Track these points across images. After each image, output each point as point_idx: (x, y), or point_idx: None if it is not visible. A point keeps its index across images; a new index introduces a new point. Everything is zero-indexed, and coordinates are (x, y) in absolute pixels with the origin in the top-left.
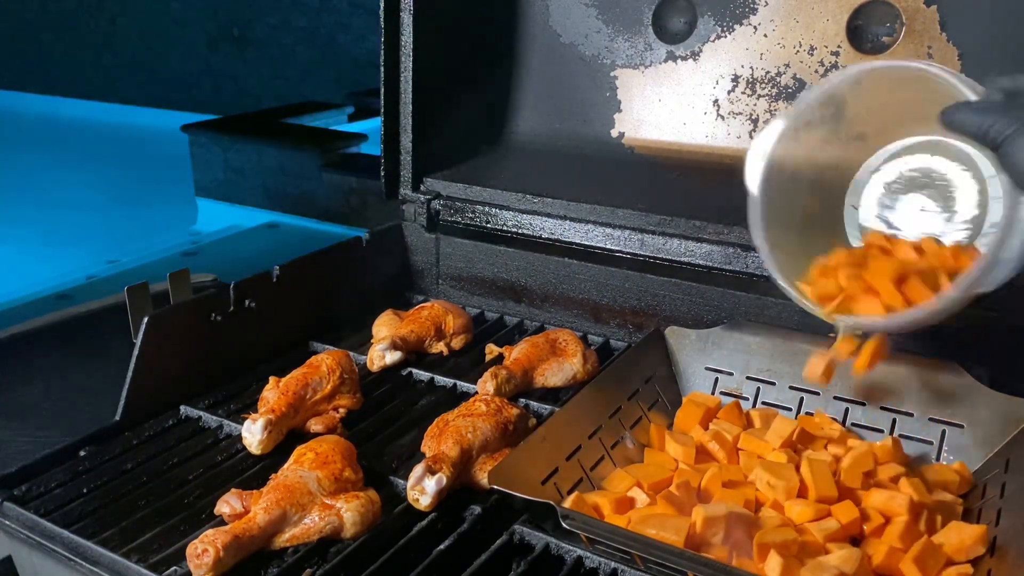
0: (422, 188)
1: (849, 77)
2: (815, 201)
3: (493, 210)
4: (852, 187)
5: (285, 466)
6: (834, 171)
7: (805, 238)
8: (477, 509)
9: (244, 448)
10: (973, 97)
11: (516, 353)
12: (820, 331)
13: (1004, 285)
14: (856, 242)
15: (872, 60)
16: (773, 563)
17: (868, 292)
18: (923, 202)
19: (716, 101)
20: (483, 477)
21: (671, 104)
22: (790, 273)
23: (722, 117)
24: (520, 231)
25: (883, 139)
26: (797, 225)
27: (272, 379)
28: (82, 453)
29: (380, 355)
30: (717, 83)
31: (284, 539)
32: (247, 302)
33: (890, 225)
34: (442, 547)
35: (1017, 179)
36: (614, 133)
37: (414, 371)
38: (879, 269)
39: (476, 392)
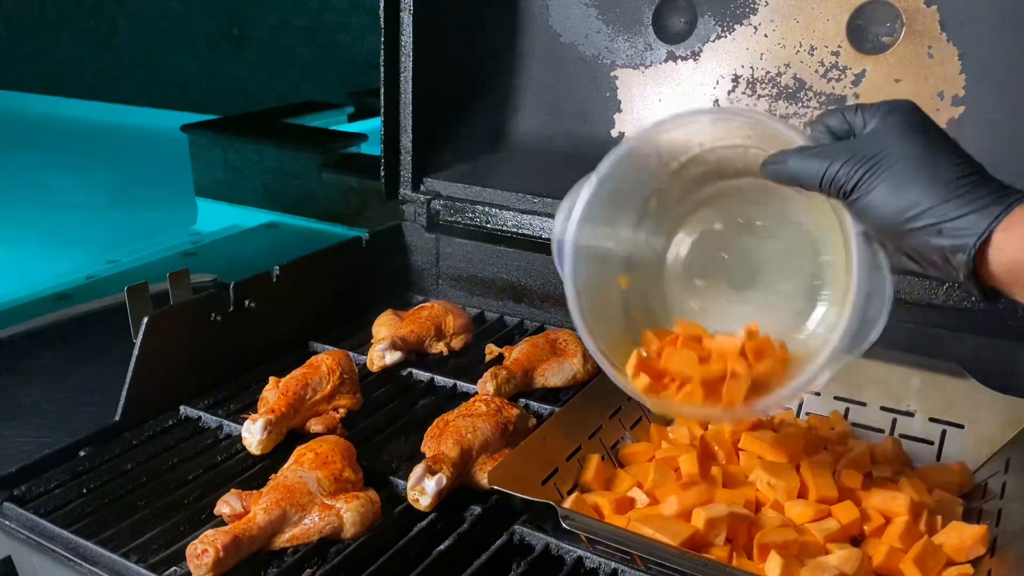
0: (422, 188)
1: (641, 138)
2: (628, 279)
3: (493, 210)
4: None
5: (285, 466)
6: (643, 247)
7: (627, 322)
8: (477, 509)
9: (244, 448)
10: (800, 141)
11: (516, 353)
12: None
13: None
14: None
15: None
16: (773, 563)
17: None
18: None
19: (716, 101)
20: (483, 477)
21: (671, 104)
22: (621, 364)
23: None
24: (520, 231)
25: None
26: (617, 309)
27: (272, 379)
28: (82, 453)
29: (380, 355)
30: (717, 83)
31: (284, 539)
32: (247, 302)
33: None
34: (442, 547)
35: (878, 230)
36: (614, 133)
37: (414, 371)
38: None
39: (476, 392)
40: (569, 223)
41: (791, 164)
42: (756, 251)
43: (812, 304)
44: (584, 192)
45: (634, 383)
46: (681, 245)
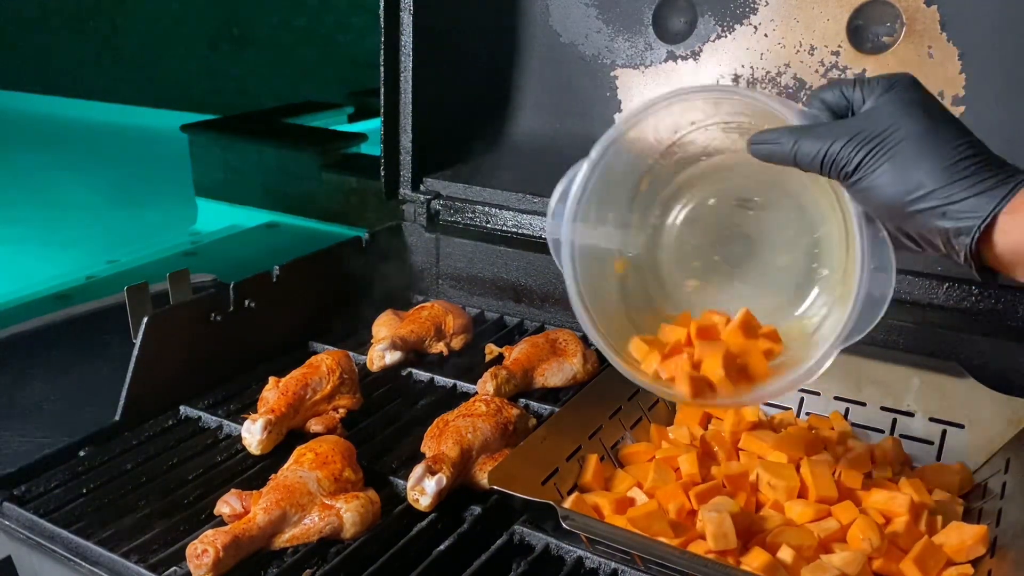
0: (422, 188)
1: (633, 116)
2: (624, 263)
3: (493, 210)
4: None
5: (285, 466)
6: (637, 228)
7: (626, 308)
8: (477, 509)
9: (244, 448)
10: (794, 119)
11: (516, 353)
12: None
13: (1004, 286)
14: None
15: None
16: (785, 554)
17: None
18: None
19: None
20: (483, 477)
21: None
22: (623, 348)
23: None
24: (520, 231)
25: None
26: (615, 295)
27: (272, 379)
28: (82, 453)
29: (380, 355)
30: (717, 83)
31: (284, 539)
32: (247, 302)
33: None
34: (442, 547)
35: (879, 213)
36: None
37: (414, 371)
38: (710, 364)
39: (476, 392)
40: (564, 209)
41: (786, 144)
42: (751, 226)
43: (810, 279)
44: (577, 178)
45: (643, 371)
46: (675, 223)
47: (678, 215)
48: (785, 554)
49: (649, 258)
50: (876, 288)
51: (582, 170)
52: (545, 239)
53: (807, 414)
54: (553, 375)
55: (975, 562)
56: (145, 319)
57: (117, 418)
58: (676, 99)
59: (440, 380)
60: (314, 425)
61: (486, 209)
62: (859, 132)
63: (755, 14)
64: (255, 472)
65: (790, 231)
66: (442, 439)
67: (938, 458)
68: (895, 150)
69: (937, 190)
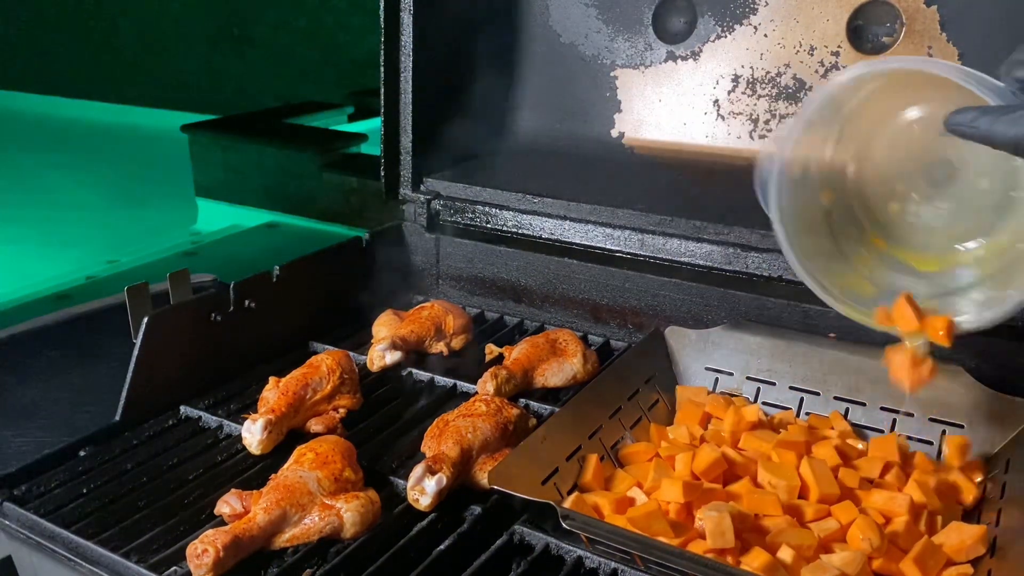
0: (422, 188)
1: (850, 79)
2: (830, 195)
3: (493, 210)
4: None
5: (285, 466)
6: (842, 167)
7: (833, 237)
8: (477, 509)
9: (244, 448)
10: (989, 99)
11: (516, 353)
12: (820, 331)
13: None
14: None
15: (874, 59)
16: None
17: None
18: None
19: (716, 101)
20: (483, 477)
21: (671, 104)
22: (829, 277)
23: (722, 117)
24: (520, 231)
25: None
26: (821, 225)
27: (272, 379)
28: (82, 453)
29: (380, 355)
30: (717, 83)
31: (284, 539)
32: (247, 302)
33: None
34: (442, 547)
35: None
36: (614, 133)
37: (414, 371)
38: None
39: (476, 392)
40: (782, 142)
41: (982, 126)
42: (953, 150)
43: (1009, 202)
44: (799, 115)
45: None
46: (880, 146)
47: (882, 138)
48: (785, 554)
49: (855, 184)
50: None
51: (801, 112)
52: (545, 239)
53: (807, 414)
54: (553, 375)
55: (975, 562)
56: (145, 319)
57: (117, 418)
58: (883, 66)
59: (440, 380)
60: (314, 425)
61: (486, 209)
62: None
63: (755, 14)
64: (255, 472)
65: (990, 156)
66: (442, 439)
67: (938, 458)
68: None
69: None
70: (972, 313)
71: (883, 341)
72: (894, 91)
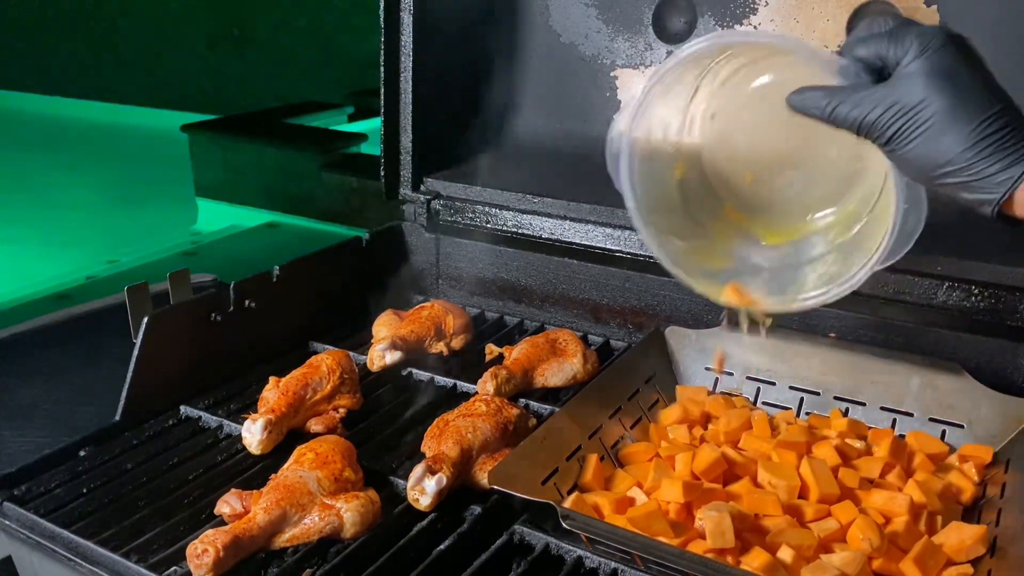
0: (422, 188)
1: (698, 51)
2: (683, 168)
3: (493, 210)
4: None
5: (285, 466)
6: (693, 139)
7: (689, 211)
8: (477, 509)
9: (244, 448)
10: (832, 78)
11: (516, 353)
12: (820, 331)
13: (1004, 286)
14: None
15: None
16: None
17: None
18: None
19: None
20: (483, 477)
21: None
22: (686, 254)
23: None
24: (520, 231)
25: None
26: (676, 200)
27: (272, 379)
28: (82, 453)
29: (380, 355)
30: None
31: (284, 539)
32: (247, 302)
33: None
34: (442, 547)
35: (910, 176)
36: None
37: (414, 371)
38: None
39: (476, 392)
40: (629, 117)
41: (823, 104)
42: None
43: (855, 174)
44: (644, 89)
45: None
46: (732, 118)
47: (735, 111)
48: (785, 554)
49: (709, 157)
50: (907, 224)
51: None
52: (545, 239)
53: (807, 414)
54: (553, 375)
55: (975, 562)
56: (145, 319)
57: (117, 418)
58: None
59: (440, 380)
60: (314, 425)
61: (486, 209)
62: (893, 104)
63: (755, 14)
64: (255, 472)
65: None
66: (442, 439)
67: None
68: (925, 126)
69: (962, 168)
70: (819, 288)
71: (884, 342)
72: (746, 63)
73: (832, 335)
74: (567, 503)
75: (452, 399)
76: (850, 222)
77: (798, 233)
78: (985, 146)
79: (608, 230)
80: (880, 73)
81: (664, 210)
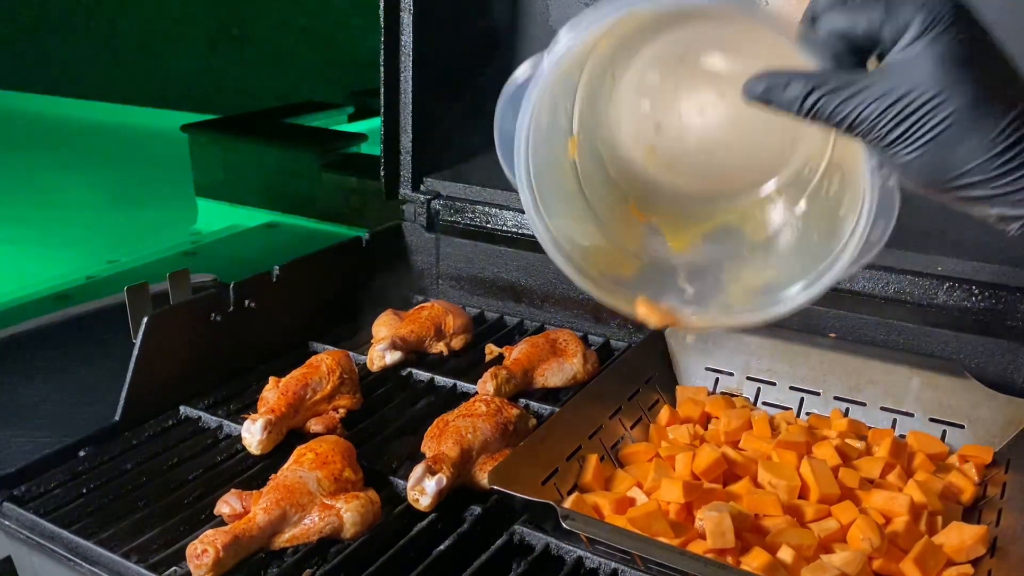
0: (422, 188)
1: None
2: (575, 141)
3: (493, 210)
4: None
5: (285, 466)
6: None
7: (589, 202)
8: (477, 509)
9: (244, 448)
10: (805, 57)
11: (516, 353)
12: (820, 331)
13: (1004, 286)
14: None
15: None
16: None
17: None
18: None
19: None
20: (483, 477)
21: None
22: (589, 255)
23: None
24: (520, 231)
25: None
26: (574, 187)
27: (272, 379)
28: (82, 453)
29: (380, 355)
30: None
31: (284, 539)
32: (247, 302)
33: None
34: (442, 547)
35: (907, 181)
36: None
37: (414, 371)
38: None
39: (476, 392)
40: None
41: (799, 94)
42: (721, 70)
43: (790, 154)
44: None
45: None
46: (635, 71)
47: (636, 66)
48: (785, 554)
49: (604, 126)
50: (873, 233)
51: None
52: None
53: (807, 414)
54: (553, 375)
55: (975, 562)
56: (145, 319)
57: (117, 418)
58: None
59: (440, 380)
60: (314, 425)
61: (486, 209)
62: (899, 99)
63: None
64: (255, 472)
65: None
66: (442, 439)
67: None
68: (940, 128)
69: (986, 180)
70: (749, 301)
71: (884, 342)
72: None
73: (832, 335)
74: (567, 503)
75: (452, 399)
76: (780, 215)
77: (709, 227)
78: (1015, 153)
79: None
80: (864, 54)
81: (565, 200)
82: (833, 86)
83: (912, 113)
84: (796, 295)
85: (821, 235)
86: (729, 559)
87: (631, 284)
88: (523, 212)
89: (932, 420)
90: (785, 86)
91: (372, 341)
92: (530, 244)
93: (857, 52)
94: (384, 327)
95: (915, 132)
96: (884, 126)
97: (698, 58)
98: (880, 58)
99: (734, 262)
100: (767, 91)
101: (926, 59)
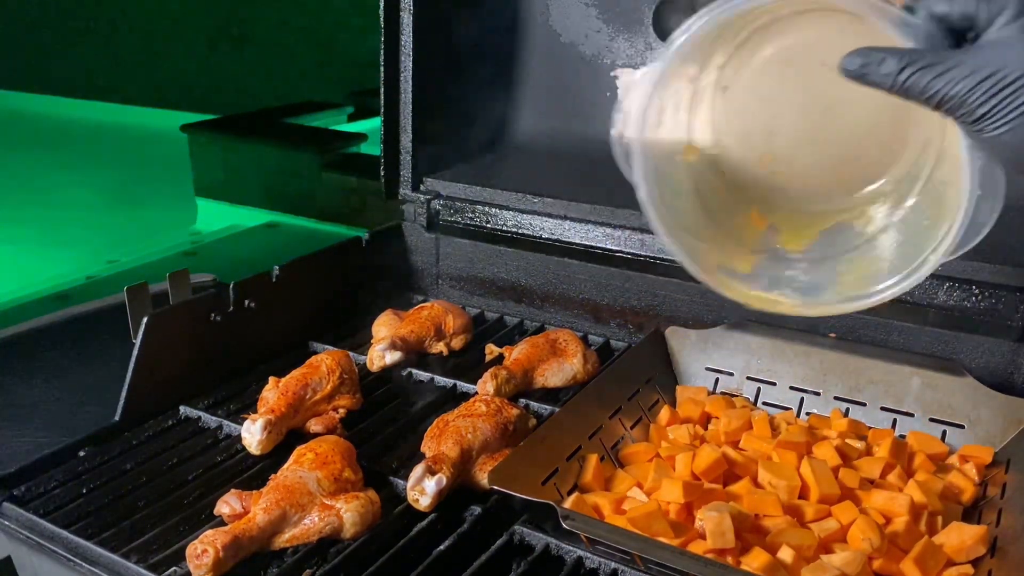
0: (422, 188)
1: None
2: (694, 149)
3: (493, 210)
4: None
5: (285, 466)
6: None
7: (708, 206)
8: (477, 509)
9: (244, 448)
10: (901, 39)
11: (516, 353)
12: (820, 331)
13: (1004, 286)
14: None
15: None
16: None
17: None
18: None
19: None
20: (483, 477)
21: None
22: (705, 254)
23: None
24: (520, 231)
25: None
26: (691, 190)
27: (272, 379)
28: (82, 453)
29: (380, 355)
30: None
31: (284, 539)
32: (247, 302)
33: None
34: (442, 547)
35: (1001, 160)
36: (614, 133)
37: (414, 371)
38: None
39: (476, 392)
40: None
41: (894, 70)
42: (831, 84)
43: (899, 144)
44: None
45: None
46: (748, 78)
47: (747, 73)
48: (785, 554)
49: (721, 135)
50: (980, 214)
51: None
52: (545, 239)
53: (807, 414)
54: (553, 375)
55: (975, 562)
56: (145, 319)
57: (117, 418)
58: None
59: (440, 380)
60: (314, 425)
61: (486, 209)
62: (991, 75)
63: None
64: (255, 472)
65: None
66: (442, 439)
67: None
68: None
69: None
70: (861, 288)
71: (884, 342)
72: (766, 24)
73: (832, 335)
74: (567, 503)
75: (452, 399)
76: (892, 209)
77: (825, 226)
78: None
79: (608, 230)
80: (962, 37)
81: (685, 202)
82: (926, 63)
83: (1001, 90)
84: (904, 279)
85: (930, 222)
86: (729, 559)
87: (746, 276)
88: (523, 212)
89: (932, 420)
90: (880, 62)
91: (372, 341)
92: (530, 244)
93: (953, 34)
94: (384, 327)
95: (1005, 107)
96: (973, 101)
97: (805, 60)
98: (975, 41)
99: (848, 254)
100: (863, 67)
101: (1019, 40)
